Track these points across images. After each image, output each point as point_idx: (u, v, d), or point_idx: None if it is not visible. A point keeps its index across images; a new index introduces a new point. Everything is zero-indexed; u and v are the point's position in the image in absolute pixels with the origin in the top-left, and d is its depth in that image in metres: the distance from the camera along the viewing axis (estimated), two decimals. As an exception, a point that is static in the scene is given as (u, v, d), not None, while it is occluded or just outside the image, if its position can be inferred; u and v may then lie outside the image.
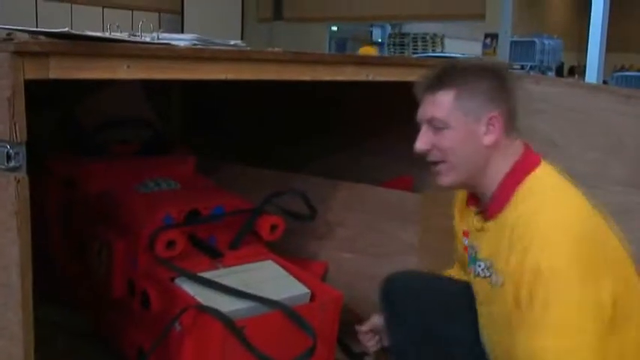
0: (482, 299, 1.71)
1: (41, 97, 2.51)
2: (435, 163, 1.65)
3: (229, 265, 2.04)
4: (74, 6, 12.30)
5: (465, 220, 1.79)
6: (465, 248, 1.79)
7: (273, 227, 2.14)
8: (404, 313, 1.82)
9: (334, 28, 17.40)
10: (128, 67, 1.51)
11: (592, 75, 13.70)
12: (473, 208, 1.72)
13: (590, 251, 1.46)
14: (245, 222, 2.12)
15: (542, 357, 1.44)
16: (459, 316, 1.74)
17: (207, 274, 1.97)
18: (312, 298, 2.03)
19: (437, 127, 1.60)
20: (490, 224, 1.63)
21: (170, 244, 1.92)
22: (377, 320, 2.00)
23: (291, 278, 2.06)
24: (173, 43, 1.84)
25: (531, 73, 15.87)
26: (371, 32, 20.30)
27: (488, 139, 1.58)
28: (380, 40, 20.05)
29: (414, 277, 1.95)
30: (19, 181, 1.33)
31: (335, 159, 3.21)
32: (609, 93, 2.58)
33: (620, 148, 2.50)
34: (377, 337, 2.02)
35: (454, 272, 2.05)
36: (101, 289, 2.07)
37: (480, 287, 1.70)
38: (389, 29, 19.60)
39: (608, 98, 2.52)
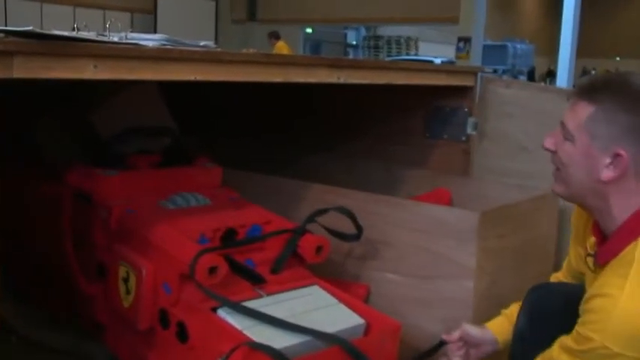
0: None
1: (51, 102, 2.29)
2: (555, 167, 1.49)
3: (273, 292, 1.82)
4: (44, 5, 11.96)
5: (589, 239, 1.59)
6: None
7: (319, 249, 1.93)
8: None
9: (309, 30, 17.25)
10: (95, 67, 1.47)
11: (562, 79, 13.80)
12: (592, 239, 1.53)
13: None
14: (287, 243, 1.91)
15: None
16: None
17: (250, 303, 1.75)
18: (368, 329, 1.83)
19: (565, 135, 1.42)
20: (599, 270, 1.45)
21: (212, 270, 1.70)
22: (468, 329, 1.78)
23: (342, 307, 1.84)
24: (141, 43, 1.76)
25: (504, 76, 15.97)
26: (345, 34, 20.22)
27: (606, 174, 1.36)
28: (355, 43, 19.99)
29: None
30: None
31: (352, 166, 3.06)
32: None
33: None
34: (464, 350, 1.80)
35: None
36: (127, 318, 1.85)
37: None
38: (363, 32, 19.55)
39: None
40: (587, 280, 1.55)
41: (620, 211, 1.39)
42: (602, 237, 1.47)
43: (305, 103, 3.07)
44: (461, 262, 1.94)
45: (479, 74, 2.72)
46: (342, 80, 2.09)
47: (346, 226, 2.02)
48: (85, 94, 2.13)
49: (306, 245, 1.87)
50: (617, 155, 1.35)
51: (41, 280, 2.33)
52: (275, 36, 11.87)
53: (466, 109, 2.73)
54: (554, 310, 1.66)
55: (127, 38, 1.91)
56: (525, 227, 2.10)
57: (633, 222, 1.37)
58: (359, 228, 1.95)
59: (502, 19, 20.44)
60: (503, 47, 18.48)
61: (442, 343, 1.82)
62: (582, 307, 1.40)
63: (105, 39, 1.79)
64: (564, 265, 1.80)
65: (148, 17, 14.06)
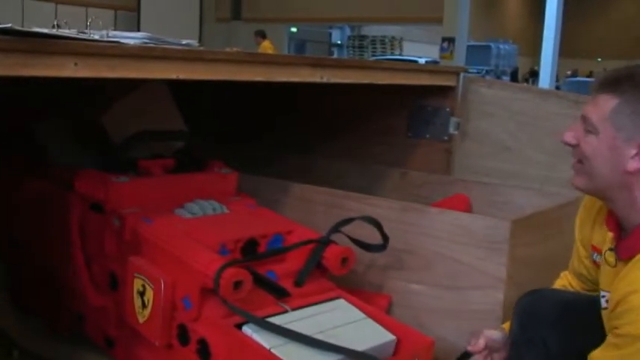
0: None
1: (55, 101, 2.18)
2: (575, 160, 1.47)
3: (298, 307, 1.73)
4: (26, 2, 11.74)
5: (598, 236, 1.58)
6: (596, 264, 1.60)
7: (344, 260, 1.85)
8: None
9: (293, 30, 17.16)
10: (75, 64, 1.45)
11: (545, 79, 13.84)
12: (610, 234, 1.49)
13: None
14: (312, 254, 1.82)
15: None
16: None
17: (276, 319, 1.66)
18: (399, 345, 1.75)
19: (587, 128, 1.41)
20: (622, 264, 1.42)
21: (237, 284, 1.60)
22: (492, 335, 1.72)
23: (371, 322, 1.75)
24: (123, 41, 1.74)
25: (487, 77, 16.01)
26: (330, 34, 20.15)
27: (632, 165, 1.36)
28: (339, 42, 19.94)
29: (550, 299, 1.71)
30: None
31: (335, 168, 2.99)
32: (558, 98, 2.56)
33: (567, 151, 2.48)
34: (490, 358, 1.74)
35: (566, 283, 1.81)
36: (142, 333, 1.75)
37: (605, 321, 1.51)
38: (348, 31, 19.50)
39: (556, 103, 2.51)
40: (604, 276, 1.51)
41: None
42: (620, 230, 1.45)
43: (287, 102, 3.01)
44: (490, 273, 1.87)
45: (461, 74, 2.72)
46: (324, 80, 2.09)
47: (368, 235, 1.94)
48: (92, 95, 2.02)
49: (332, 256, 1.78)
50: None
51: (41, 285, 2.22)
52: (261, 35, 11.76)
53: (448, 109, 2.73)
54: (546, 314, 1.64)
55: (108, 36, 1.89)
56: (553, 235, 2.04)
57: None
58: (385, 238, 1.86)
59: (486, 19, 20.50)
60: (487, 47, 18.56)
61: (467, 355, 1.76)
62: (615, 312, 1.36)
63: (86, 37, 1.78)
64: (569, 265, 1.78)
65: (131, 15, 13.89)
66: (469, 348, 1.74)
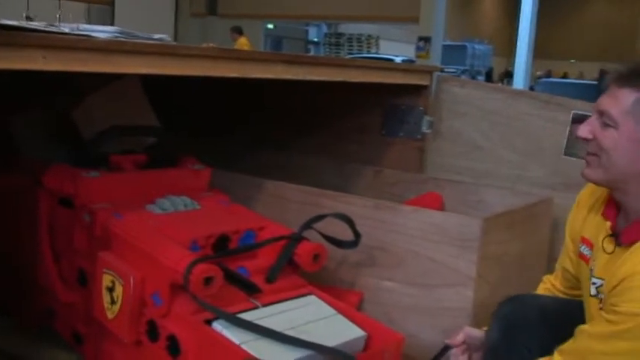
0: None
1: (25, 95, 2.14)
2: (589, 153, 1.50)
3: (269, 303, 1.73)
4: (-2, -7, 11.55)
5: (590, 228, 1.61)
6: (583, 257, 1.62)
7: (316, 257, 1.84)
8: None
9: (270, 26, 17.11)
10: (44, 57, 1.44)
11: (519, 80, 13.94)
12: (608, 223, 1.52)
13: None
14: (283, 250, 1.82)
15: None
16: None
17: (247, 315, 1.65)
18: (369, 341, 1.76)
19: (605, 122, 1.44)
20: (621, 250, 1.46)
21: (208, 280, 1.60)
22: (471, 332, 1.73)
23: (341, 318, 1.76)
24: (93, 34, 1.72)
25: (463, 76, 16.12)
26: (307, 31, 20.15)
27: None
28: (316, 40, 19.95)
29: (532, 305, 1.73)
30: None
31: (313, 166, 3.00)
32: (530, 98, 2.59)
33: (538, 150, 2.50)
34: (468, 354, 1.75)
35: (550, 286, 1.84)
36: (111, 329, 1.73)
37: (594, 308, 1.53)
38: (325, 29, 19.52)
39: (528, 103, 2.54)
40: (599, 263, 1.55)
41: None
42: (617, 219, 1.51)
43: (263, 97, 3.02)
44: (460, 270, 1.88)
45: (435, 73, 2.73)
46: (300, 77, 2.09)
47: (340, 232, 1.94)
48: (64, 89, 2.00)
49: (303, 253, 1.77)
50: None
51: (9, 281, 2.18)
52: (238, 31, 11.69)
53: (422, 108, 2.74)
54: (529, 321, 1.66)
55: (78, 29, 1.85)
56: (525, 234, 2.06)
57: None
58: (357, 235, 1.86)
59: (462, 19, 20.64)
60: (462, 47, 18.70)
61: (447, 348, 1.77)
62: (616, 289, 1.41)
63: (55, 29, 1.74)
64: (556, 267, 1.80)
65: (105, 9, 13.72)
66: (447, 341, 1.76)
